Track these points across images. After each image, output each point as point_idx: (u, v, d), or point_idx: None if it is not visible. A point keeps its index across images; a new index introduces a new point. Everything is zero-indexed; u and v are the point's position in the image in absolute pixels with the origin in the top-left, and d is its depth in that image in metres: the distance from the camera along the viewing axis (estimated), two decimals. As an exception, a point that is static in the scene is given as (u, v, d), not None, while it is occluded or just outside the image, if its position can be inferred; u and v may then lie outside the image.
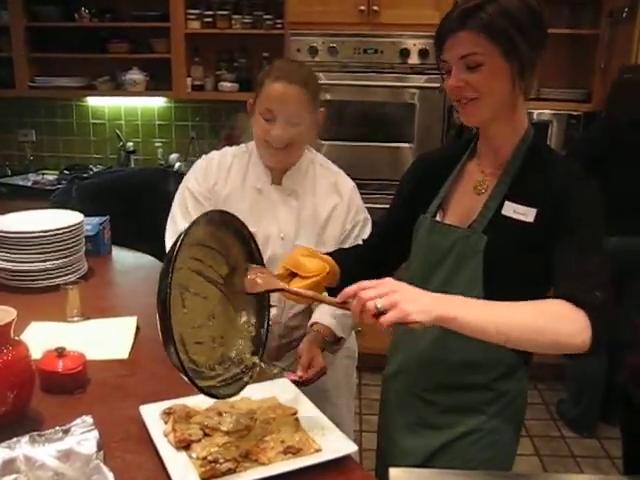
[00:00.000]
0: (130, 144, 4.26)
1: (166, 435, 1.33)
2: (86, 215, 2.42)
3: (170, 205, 1.98)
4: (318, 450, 1.29)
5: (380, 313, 1.12)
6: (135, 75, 4.01)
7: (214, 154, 1.98)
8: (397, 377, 1.57)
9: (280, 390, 1.52)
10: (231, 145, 2.01)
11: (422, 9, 3.42)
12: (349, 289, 1.18)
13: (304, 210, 1.90)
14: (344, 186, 1.94)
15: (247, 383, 1.34)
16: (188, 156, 4.08)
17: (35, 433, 1.22)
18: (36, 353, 1.52)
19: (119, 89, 4.10)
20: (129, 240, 2.60)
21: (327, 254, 1.54)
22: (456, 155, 1.52)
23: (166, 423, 1.37)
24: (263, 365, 1.39)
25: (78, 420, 1.27)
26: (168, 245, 1.84)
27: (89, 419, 1.28)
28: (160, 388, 1.52)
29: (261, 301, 1.42)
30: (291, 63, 1.91)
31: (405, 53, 3.49)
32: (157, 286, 1.19)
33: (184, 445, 1.30)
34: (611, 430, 3.43)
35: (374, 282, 1.17)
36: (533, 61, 1.32)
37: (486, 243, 1.36)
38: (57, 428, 1.24)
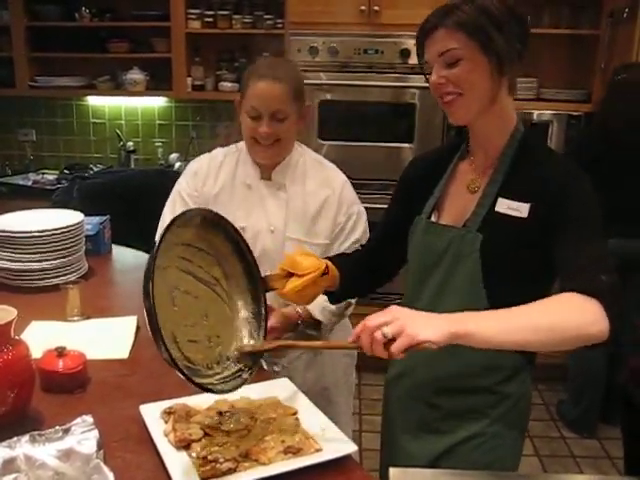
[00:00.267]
0: (130, 144, 4.26)
1: (166, 435, 1.34)
2: (87, 215, 2.42)
3: None
4: (318, 450, 1.29)
5: (389, 341, 1.12)
6: (135, 75, 4.01)
7: (204, 156, 2.03)
8: (400, 380, 1.57)
9: (280, 390, 1.52)
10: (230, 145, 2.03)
11: (422, 9, 3.35)
12: (357, 327, 1.18)
13: (293, 202, 1.91)
14: (335, 180, 1.95)
15: (247, 380, 1.34)
16: (188, 156, 4.07)
17: (35, 432, 1.22)
18: (36, 352, 1.52)
19: (119, 89, 4.10)
20: (130, 240, 2.61)
21: (327, 258, 1.55)
22: (449, 155, 1.53)
23: (166, 423, 1.37)
24: (264, 365, 1.39)
25: (78, 419, 1.27)
26: None
27: (89, 418, 1.28)
28: (160, 388, 1.52)
29: (258, 302, 1.43)
30: (274, 61, 1.94)
31: (405, 53, 3.49)
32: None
33: (184, 445, 1.30)
34: (611, 430, 3.42)
35: (379, 312, 1.16)
36: (511, 55, 1.34)
37: (482, 241, 1.36)
38: (57, 427, 1.24)
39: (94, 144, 4.40)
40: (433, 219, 1.48)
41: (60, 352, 1.56)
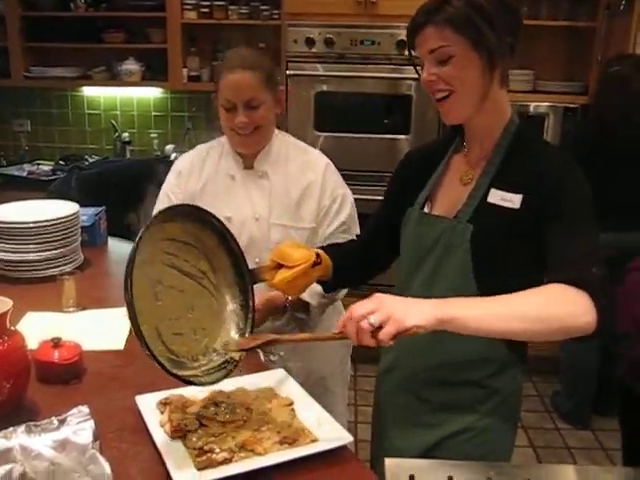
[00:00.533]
0: (126, 135, 4.25)
1: (162, 425, 1.34)
2: (85, 205, 2.42)
3: None
4: (314, 440, 1.30)
5: (377, 329, 1.12)
6: (131, 65, 3.99)
7: (188, 153, 2.06)
8: (390, 373, 1.57)
9: (276, 381, 1.52)
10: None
11: (419, 0, 3.41)
12: (342, 317, 1.18)
13: (275, 189, 1.93)
14: (317, 163, 1.97)
15: (231, 372, 1.36)
16: (184, 147, 4.06)
17: (31, 423, 1.22)
18: (32, 343, 1.52)
19: (115, 79, 4.08)
20: (131, 230, 2.61)
21: (320, 248, 1.56)
22: (443, 148, 1.53)
23: (162, 413, 1.38)
24: (261, 356, 1.40)
25: (74, 410, 1.27)
26: None
27: (85, 409, 1.27)
28: (156, 379, 1.51)
29: (246, 295, 1.44)
30: (242, 51, 1.95)
31: (402, 44, 3.48)
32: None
33: (180, 435, 1.30)
34: (605, 422, 3.45)
35: (364, 301, 1.16)
36: (503, 50, 1.33)
37: (472, 232, 1.36)
38: (53, 418, 1.23)
39: (89, 135, 4.39)
40: (426, 210, 1.48)
41: (56, 343, 1.56)
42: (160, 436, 1.31)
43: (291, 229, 1.88)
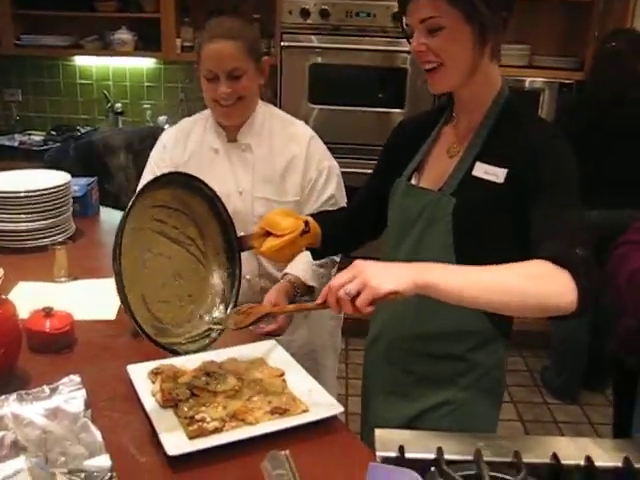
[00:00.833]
0: (118, 105, 4.20)
1: (153, 395, 1.34)
2: (83, 174, 2.40)
3: None
4: (305, 411, 1.31)
5: (355, 297, 1.12)
6: (123, 35, 3.94)
7: (172, 127, 2.07)
8: (375, 344, 1.58)
9: (267, 351, 1.53)
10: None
11: (416, -28, 3.37)
12: (324, 288, 1.18)
13: (259, 162, 1.92)
14: (302, 136, 1.95)
15: (215, 339, 1.37)
16: (177, 118, 4.02)
17: (23, 391, 1.22)
18: (23, 313, 1.52)
19: (107, 49, 4.03)
20: (127, 198, 2.60)
21: (310, 216, 1.56)
22: (435, 119, 1.52)
23: (153, 383, 1.38)
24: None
25: (65, 379, 1.27)
26: None
27: (77, 378, 1.28)
28: (147, 349, 1.50)
29: (233, 262, 1.45)
30: (224, 20, 1.92)
31: (398, 17, 3.39)
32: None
33: (171, 404, 1.31)
34: (593, 397, 3.49)
35: (344, 270, 1.16)
36: (496, 24, 1.30)
37: (455, 205, 1.34)
38: (44, 387, 1.24)
39: (81, 105, 4.34)
40: (413, 182, 1.48)
41: (47, 312, 1.56)
42: (151, 405, 1.31)
43: (275, 203, 1.87)
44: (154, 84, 4.25)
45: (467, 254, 1.33)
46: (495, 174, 1.33)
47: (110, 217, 2.53)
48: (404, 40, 1.44)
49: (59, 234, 2.22)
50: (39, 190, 2.17)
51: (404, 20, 1.36)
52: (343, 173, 2.01)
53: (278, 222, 1.45)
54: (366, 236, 1.70)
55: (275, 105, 2.08)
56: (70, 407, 1.20)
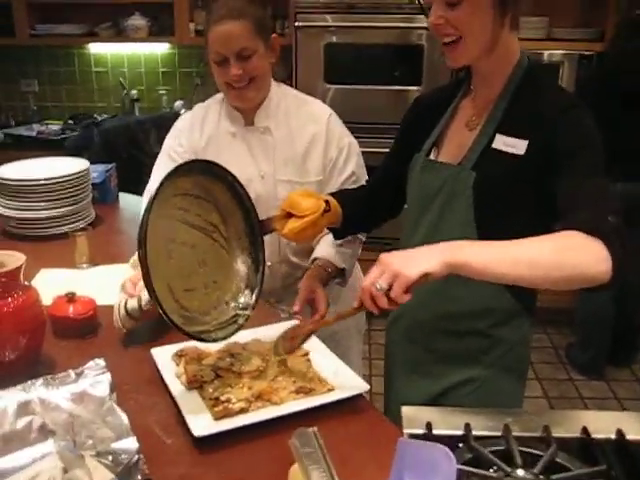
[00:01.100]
0: (134, 92, 4.21)
1: (178, 377, 1.35)
2: (107, 160, 2.40)
3: None
4: (330, 389, 1.30)
5: (388, 291, 1.11)
6: (137, 21, 3.93)
7: (187, 113, 2.02)
8: (397, 322, 1.57)
9: (291, 332, 1.52)
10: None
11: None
12: (358, 293, 1.18)
13: (279, 144, 1.88)
14: (320, 114, 1.91)
15: (242, 326, 1.37)
16: (193, 103, 4.01)
17: (49, 376, 1.23)
18: (47, 299, 1.53)
19: (121, 35, 4.03)
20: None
21: (330, 195, 1.55)
22: (453, 92, 1.49)
23: (177, 365, 1.38)
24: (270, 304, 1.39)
25: (91, 363, 1.27)
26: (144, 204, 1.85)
27: (101, 362, 1.28)
28: (170, 332, 1.52)
29: (256, 247, 1.44)
30: (227, 0, 1.86)
31: (413, -7, 3.40)
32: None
33: (196, 386, 1.31)
34: (619, 372, 3.46)
35: (372, 269, 1.15)
36: None
37: (475, 179, 1.32)
38: (70, 371, 1.24)
39: (97, 93, 4.36)
40: (432, 157, 1.46)
41: (70, 298, 1.57)
42: (176, 387, 1.31)
43: (297, 184, 1.85)
44: (169, 69, 4.25)
45: (488, 228, 1.31)
46: (516, 146, 1.30)
47: (129, 204, 2.54)
48: (420, 16, 1.42)
49: (79, 221, 2.23)
50: (58, 177, 2.18)
51: None
52: (361, 153, 1.98)
53: (299, 203, 1.44)
54: (386, 214, 1.69)
55: (291, 87, 2.05)
56: (96, 391, 1.20)
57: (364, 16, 3.49)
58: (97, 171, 2.45)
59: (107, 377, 1.24)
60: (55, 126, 4.11)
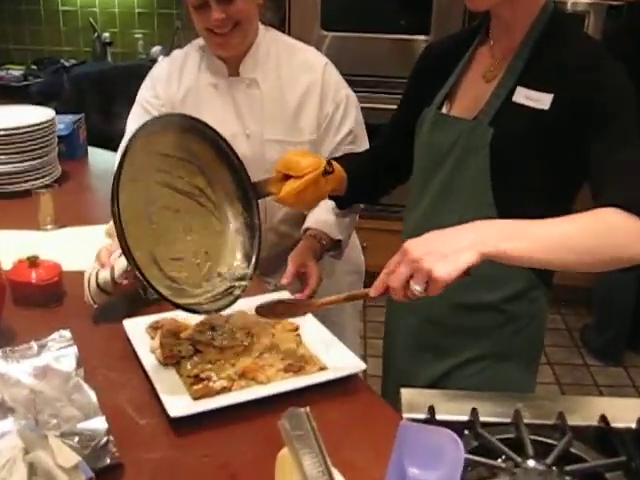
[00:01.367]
0: (106, 35, 4.16)
1: (153, 351, 1.34)
2: (76, 110, 2.37)
3: None
4: (322, 368, 1.30)
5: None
6: (110, -47, 3.87)
7: (163, 60, 1.98)
8: None
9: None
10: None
11: None
12: (377, 281, 1.14)
13: (268, 99, 1.85)
14: (315, 62, 1.89)
15: (238, 297, 1.36)
16: (173, 49, 3.97)
17: (8, 348, 1.23)
18: (6, 264, 1.52)
19: (92, -30, 3.98)
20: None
21: (334, 159, 1.52)
22: (467, 41, 1.48)
23: (152, 339, 1.38)
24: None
25: (55, 335, 1.27)
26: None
27: (67, 333, 1.28)
28: (145, 302, 1.52)
29: (250, 212, 1.42)
30: None
31: None
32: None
33: (173, 362, 1.31)
34: (638, 358, 3.49)
35: (394, 261, 1.11)
36: None
37: (493, 135, 1.31)
38: (32, 343, 1.24)
39: (64, 35, 4.32)
40: (444, 110, 1.44)
41: (32, 262, 1.56)
42: (150, 363, 1.31)
43: (288, 145, 1.82)
44: (146, 10, 4.21)
45: (505, 192, 1.31)
46: (539, 99, 1.29)
47: (99, 160, 2.52)
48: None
49: (43, 177, 2.21)
50: (19, 128, 2.15)
51: None
52: (360, 109, 1.96)
53: (297, 161, 1.43)
54: (394, 178, 1.67)
55: (283, 33, 2.01)
56: (60, 365, 1.21)
57: (367, -46, 3.46)
58: (64, 122, 2.42)
59: (73, 350, 1.24)
60: (17, 71, 4.06)
